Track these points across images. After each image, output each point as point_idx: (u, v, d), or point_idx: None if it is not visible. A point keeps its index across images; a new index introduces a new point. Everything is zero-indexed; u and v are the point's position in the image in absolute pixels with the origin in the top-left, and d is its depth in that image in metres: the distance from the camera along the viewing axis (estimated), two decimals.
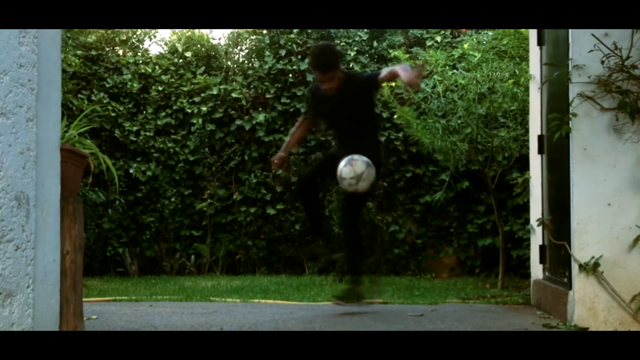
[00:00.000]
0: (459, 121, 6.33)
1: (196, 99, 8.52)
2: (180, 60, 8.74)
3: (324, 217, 4.71)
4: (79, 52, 8.36)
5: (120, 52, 8.79)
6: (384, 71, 4.69)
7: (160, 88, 8.54)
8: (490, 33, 7.05)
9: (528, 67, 5.49)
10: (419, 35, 8.56)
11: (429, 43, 8.41)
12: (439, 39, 8.41)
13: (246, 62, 8.88)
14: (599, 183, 3.73)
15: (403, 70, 4.39)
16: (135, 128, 8.42)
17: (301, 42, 8.59)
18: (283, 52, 8.52)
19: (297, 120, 5.15)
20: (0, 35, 2.53)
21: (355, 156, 4.34)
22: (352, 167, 4.29)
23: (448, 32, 8.49)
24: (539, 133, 4.91)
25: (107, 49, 8.68)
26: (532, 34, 5.09)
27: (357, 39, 8.53)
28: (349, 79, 4.64)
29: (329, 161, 4.69)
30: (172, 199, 8.33)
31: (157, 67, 8.62)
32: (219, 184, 8.42)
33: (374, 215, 8.06)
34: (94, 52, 8.50)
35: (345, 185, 4.35)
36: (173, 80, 8.62)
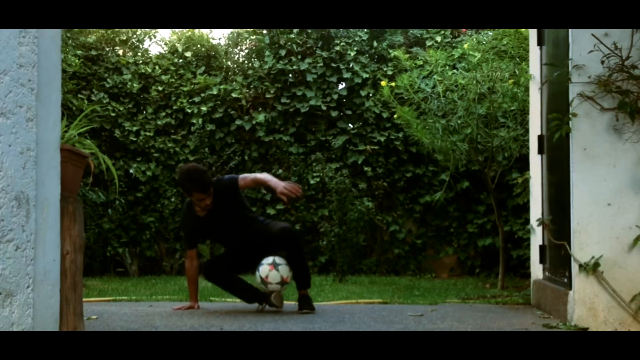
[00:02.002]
0: (459, 121, 6.33)
1: (196, 99, 8.52)
2: (180, 60, 8.74)
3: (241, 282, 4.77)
4: (79, 52, 8.36)
5: (120, 52, 8.79)
6: (248, 177, 4.71)
7: (160, 88, 8.54)
8: (490, 33, 7.05)
9: (528, 67, 5.49)
10: (419, 35, 8.56)
11: (429, 43, 8.41)
12: (439, 39, 8.42)
13: (246, 62, 8.88)
14: (599, 183, 3.73)
15: (271, 180, 4.54)
16: (135, 128, 8.42)
17: (301, 42, 8.59)
18: (283, 52, 8.52)
19: (186, 264, 4.78)
20: (0, 35, 2.53)
21: (277, 259, 4.47)
22: (277, 272, 4.42)
23: (448, 32, 8.50)
24: (539, 133, 4.91)
25: (107, 49, 8.68)
26: (532, 34, 5.09)
27: (357, 39, 8.53)
28: (215, 189, 4.56)
29: (238, 259, 4.72)
30: (172, 199, 8.32)
31: (157, 67, 8.62)
32: None
33: (374, 215, 8.07)
34: (94, 52, 8.50)
35: (268, 288, 4.46)
36: (173, 80, 8.62)
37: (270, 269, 4.42)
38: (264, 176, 4.70)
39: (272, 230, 4.56)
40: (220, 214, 4.59)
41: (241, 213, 4.69)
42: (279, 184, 4.44)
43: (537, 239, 4.94)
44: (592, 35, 3.70)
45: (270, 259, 4.46)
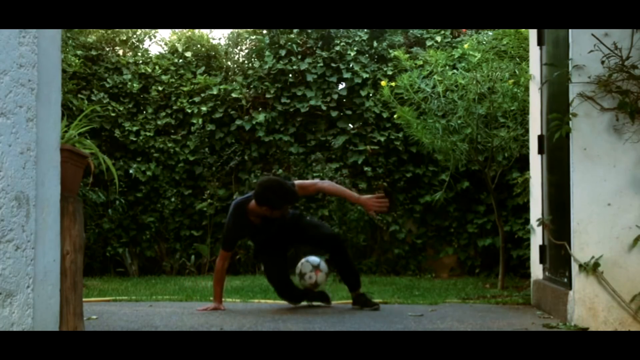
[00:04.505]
0: (459, 121, 6.33)
1: (196, 99, 8.52)
2: (180, 60, 8.74)
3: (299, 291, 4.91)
4: (79, 52, 8.36)
5: (120, 52, 8.80)
6: (307, 185, 4.69)
7: (160, 88, 8.55)
8: (490, 33, 7.05)
9: (528, 67, 5.49)
10: (419, 35, 8.56)
11: (429, 43, 8.41)
12: (439, 39, 8.42)
13: (246, 62, 8.88)
14: (599, 183, 3.73)
15: (352, 195, 4.71)
16: (135, 128, 8.42)
17: (301, 42, 8.59)
18: (283, 52, 8.52)
19: (217, 264, 4.69)
20: (0, 35, 2.53)
21: (322, 264, 4.74)
22: (324, 276, 4.77)
23: (448, 32, 8.50)
24: (539, 133, 4.91)
25: (107, 49, 8.68)
26: (532, 34, 5.09)
27: (357, 39, 8.53)
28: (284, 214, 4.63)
29: (283, 261, 4.85)
30: (172, 199, 8.33)
31: (157, 67, 8.62)
32: (219, 184, 8.42)
33: (374, 215, 8.06)
34: (94, 52, 8.50)
35: (302, 283, 4.77)
36: (173, 80, 8.62)
37: (316, 273, 4.71)
38: (335, 187, 4.79)
39: (320, 234, 4.73)
40: (278, 224, 4.64)
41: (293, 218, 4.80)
42: (367, 202, 4.52)
43: (537, 239, 4.94)
44: (592, 35, 3.70)
45: (317, 261, 4.75)
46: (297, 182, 4.65)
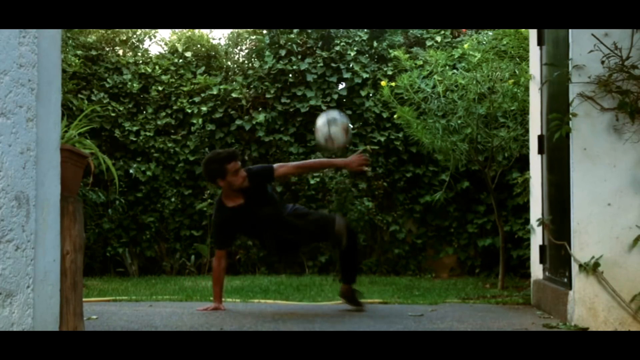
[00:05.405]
0: (459, 121, 6.33)
1: (196, 99, 8.52)
2: (180, 60, 8.74)
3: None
4: (79, 52, 8.36)
5: (120, 52, 8.80)
6: (286, 164, 4.67)
7: (160, 88, 8.55)
8: (490, 33, 7.05)
9: (528, 67, 5.49)
10: (419, 35, 8.56)
11: (429, 43, 8.41)
12: (439, 39, 8.41)
13: (246, 62, 8.88)
14: (599, 183, 3.72)
15: (334, 161, 4.55)
16: (135, 128, 8.42)
17: (301, 42, 8.59)
18: (283, 52, 8.52)
19: (214, 263, 4.70)
20: (0, 35, 2.53)
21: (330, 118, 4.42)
22: (340, 130, 4.38)
23: (448, 32, 8.50)
24: (539, 133, 4.91)
25: (107, 49, 8.68)
26: (532, 34, 5.09)
27: (357, 39, 8.53)
28: (248, 175, 4.54)
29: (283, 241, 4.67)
30: (172, 199, 8.33)
31: (157, 67, 8.62)
32: None
33: (374, 215, 8.07)
34: (94, 52, 8.50)
35: (334, 143, 4.41)
36: (173, 80, 8.62)
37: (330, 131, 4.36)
38: (317, 161, 4.70)
39: (328, 222, 4.47)
40: (253, 202, 4.52)
41: (274, 201, 4.63)
42: (349, 162, 4.47)
43: (537, 239, 4.94)
44: (592, 35, 3.70)
45: (324, 121, 4.41)
46: (275, 165, 4.65)
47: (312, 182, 8.19)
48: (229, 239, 4.82)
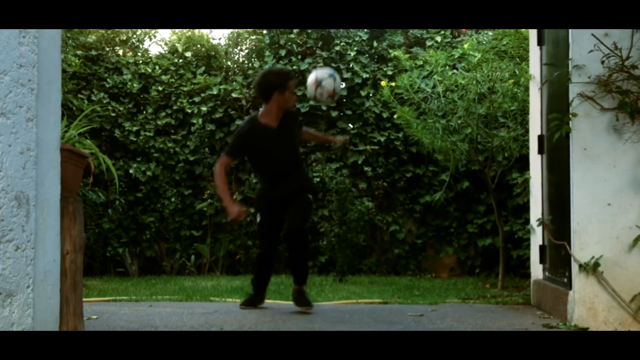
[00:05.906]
0: (459, 121, 6.33)
1: (196, 99, 8.52)
2: (180, 60, 8.74)
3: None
4: (79, 52, 8.36)
5: (120, 52, 8.79)
6: (311, 129, 5.19)
7: (160, 88, 8.54)
8: (490, 33, 7.05)
9: (528, 67, 5.49)
10: (419, 35, 8.56)
11: (429, 43, 8.41)
12: (439, 39, 8.41)
13: (246, 62, 8.88)
14: (599, 183, 3.73)
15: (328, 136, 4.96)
16: (135, 128, 8.42)
17: (301, 42, 8.59)
18: (283, 52, 8.52)
19: (216, 167, 4.66)
20: (0, 35, 2.53)
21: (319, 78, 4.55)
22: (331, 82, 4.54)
23: (448, 32, 8.49)
24: (539, 133, 4.91)
25: (107, 49, 8.68)
26: (532, 34, 5.09)
27: (357, 39, 8.53)
28: (285, 113, 4.58)
29: (275, 222, 4.63)
30: (172, 199, 8.32)
31: (157, 67, 8.62)
32: None
33: (374, 215, 8.07)
34: (94, 52, 8.50)
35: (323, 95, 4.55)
36: (173, 80, 8.62)
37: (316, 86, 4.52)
38: (320, 135, 5.50)
39: (291, 216, 4.48)
40: (284, 132, 4.54)
41: (298, 152, 4.74)
42: (336, 140, 5.28)
43: (537, 239, 4.94)
44: (592, 35, 3.70)
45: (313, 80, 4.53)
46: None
47: None
48: (241, 151, 4.75)
